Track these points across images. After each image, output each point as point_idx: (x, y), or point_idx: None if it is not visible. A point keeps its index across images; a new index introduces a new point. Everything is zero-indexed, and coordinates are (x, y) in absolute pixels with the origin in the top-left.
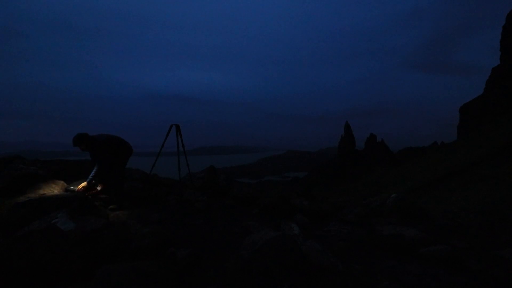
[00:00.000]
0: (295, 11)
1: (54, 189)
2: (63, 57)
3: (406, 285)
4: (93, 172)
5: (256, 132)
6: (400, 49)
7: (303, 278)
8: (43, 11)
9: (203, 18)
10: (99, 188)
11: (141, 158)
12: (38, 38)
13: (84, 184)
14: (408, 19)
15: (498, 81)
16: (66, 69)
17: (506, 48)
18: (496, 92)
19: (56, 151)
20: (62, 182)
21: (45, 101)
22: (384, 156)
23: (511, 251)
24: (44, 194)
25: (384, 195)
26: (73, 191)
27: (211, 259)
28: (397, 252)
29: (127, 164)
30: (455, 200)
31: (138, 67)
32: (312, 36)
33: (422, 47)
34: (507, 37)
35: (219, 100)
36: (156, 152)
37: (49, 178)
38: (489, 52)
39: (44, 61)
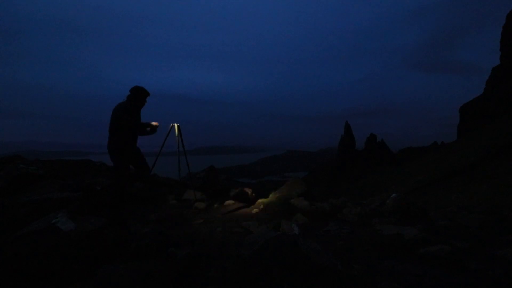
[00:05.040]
0: (295, 10)
1: (54, 189)
2: (63, 57)
3: (406, 285)
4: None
5: (256, 132)
6: (401, 49)
7: (303, 278)
8: (43, 11)
9: (204, 18)
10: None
11: None
12: (38, 38)
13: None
14: (409, 18)
15: (498, 81)
16: (66, 68)
17: (506, 48)
18: (496, 92)
19: (56, 151)
20: (62, 182)
21: (45, 101)
22: (384, 156)
23: (511, 251)
24: (44, 194)
25: (384, 195)
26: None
27: (211, 259)
28: (397, 252)
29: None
30: (455, 200)
31: (138, 67)
32: (313, 36)
33: (422, 47)
34: (507, 37)
35: (219, 100)
36: (156, 152)
37: (49, 178)
38: (489, 52)
39: (44, 61)
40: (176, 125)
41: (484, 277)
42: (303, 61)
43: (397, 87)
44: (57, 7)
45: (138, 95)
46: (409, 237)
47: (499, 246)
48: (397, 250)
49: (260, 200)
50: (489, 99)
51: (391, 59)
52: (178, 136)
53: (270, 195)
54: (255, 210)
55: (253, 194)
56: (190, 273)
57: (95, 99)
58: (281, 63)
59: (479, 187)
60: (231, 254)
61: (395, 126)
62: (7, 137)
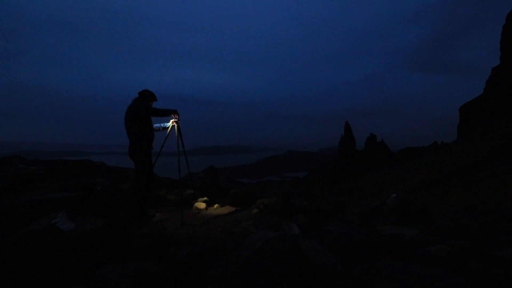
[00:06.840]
0: (295, 10)
1: (54, 189)
2: (62, 57)
3: (406, 285)
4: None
5: (256, 132)
6: (401, 49)
7: (303, 278)
8: (42, 10)
9: (204, 18)
10: None
11: None
12: (38, 37)
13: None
14: (409, 18)
15: (498, 81)
16: (66, 68)
17: (506, 48)
18: (496, 92)
19: (56, 151)
20: (62, 182)
21: (45, 101)
22: (384, 156)
23: (511, 251)
24: (44, 194)
25: (384, 195)
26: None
27: (211, 259)
28: (397, 252)
29: (126, 164)
30: (455, 200)
31: (139, 67)
32: (313, 36)
33: (422, 47)
34: (507, 37)
35: (219, 100)
36: (156, 152)
37: (49, 178)
38: (489, 52)
39: (44, 61)
40: (176, 124)
41: (484, 277)
42: (303, 61)
43: (397, 87)
44: (57, 7)
45: (147, 98)
46: (409, 237)
47: (499, 246)
48: (397, 250)
49: (260, 200)
50: (489, 99)
51: (391, 59)
52: (178, 136)
53: (270, 195)
54: (255, 211)
55: (253, 194)
56: (190, 273)
57: (95, 99)
58: (281, 63)
59: (479, 187)
60: (231, 254)
61: (395, 126)
62: (7, 137)
